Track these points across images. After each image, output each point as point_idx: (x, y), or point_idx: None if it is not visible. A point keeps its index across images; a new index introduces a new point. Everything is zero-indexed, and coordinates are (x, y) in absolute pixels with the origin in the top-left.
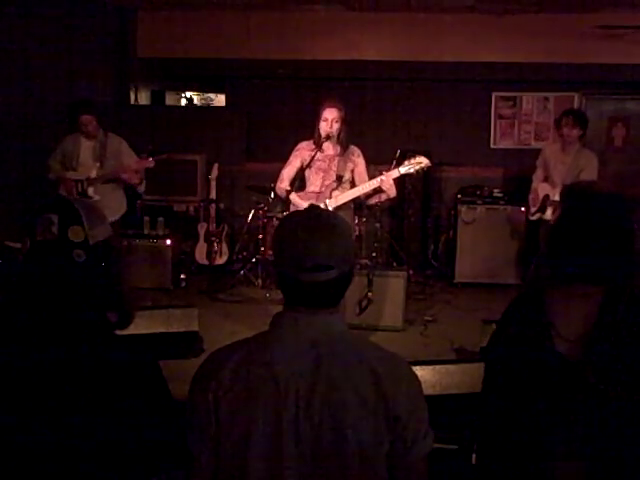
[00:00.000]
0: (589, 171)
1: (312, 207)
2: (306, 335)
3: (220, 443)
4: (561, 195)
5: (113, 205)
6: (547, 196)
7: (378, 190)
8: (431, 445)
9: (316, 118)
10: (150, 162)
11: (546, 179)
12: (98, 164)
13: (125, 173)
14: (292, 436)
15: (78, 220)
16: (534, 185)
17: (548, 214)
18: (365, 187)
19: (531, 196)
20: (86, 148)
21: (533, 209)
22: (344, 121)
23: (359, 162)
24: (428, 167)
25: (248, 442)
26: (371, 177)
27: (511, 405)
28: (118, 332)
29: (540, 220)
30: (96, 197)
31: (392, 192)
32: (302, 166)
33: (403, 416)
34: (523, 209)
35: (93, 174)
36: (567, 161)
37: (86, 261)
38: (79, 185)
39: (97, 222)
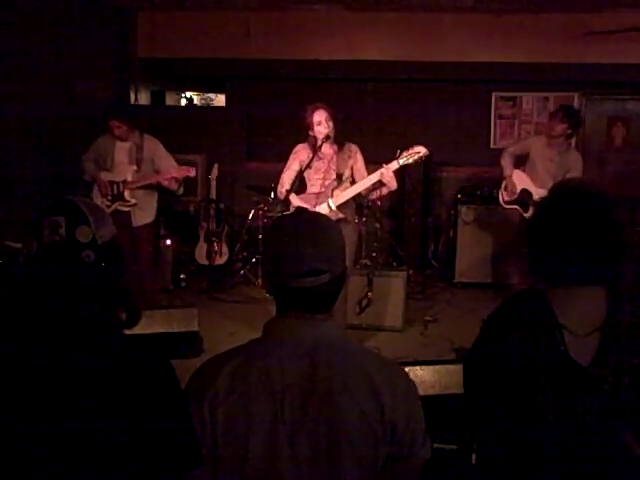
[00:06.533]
0: (576, 172)
1: (299, 210)
2: (301, 343)
3: (217, 454)
4: (550, 192)
5: (147, 209)
6: (528, 193)
7: (378, 184)
8: (428, 454)
9: (307, 125)
10: (191, 172)
11: (517, 166)
12: (135, 167)
13: (165, 180)
14: (288, 446)
15: (85, 220)
16: (507, 172)
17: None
18: (366, 182)
19: (508, 186)
20: (121, 149)
21: (507, 198)
22: (335, 118)
23: (358, 158)
24: (426, 156)
25: (245, 452)
26: (371, 174)
27: (510, 406)
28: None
29: (520, 216)
30: (133, 201)
31: (393, 184)
32: (301, 169)
33: (400, 425)
34: None
35: (130, 177)
36: (555, 159)
37: (95, 261)
38: (115, 187)
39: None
